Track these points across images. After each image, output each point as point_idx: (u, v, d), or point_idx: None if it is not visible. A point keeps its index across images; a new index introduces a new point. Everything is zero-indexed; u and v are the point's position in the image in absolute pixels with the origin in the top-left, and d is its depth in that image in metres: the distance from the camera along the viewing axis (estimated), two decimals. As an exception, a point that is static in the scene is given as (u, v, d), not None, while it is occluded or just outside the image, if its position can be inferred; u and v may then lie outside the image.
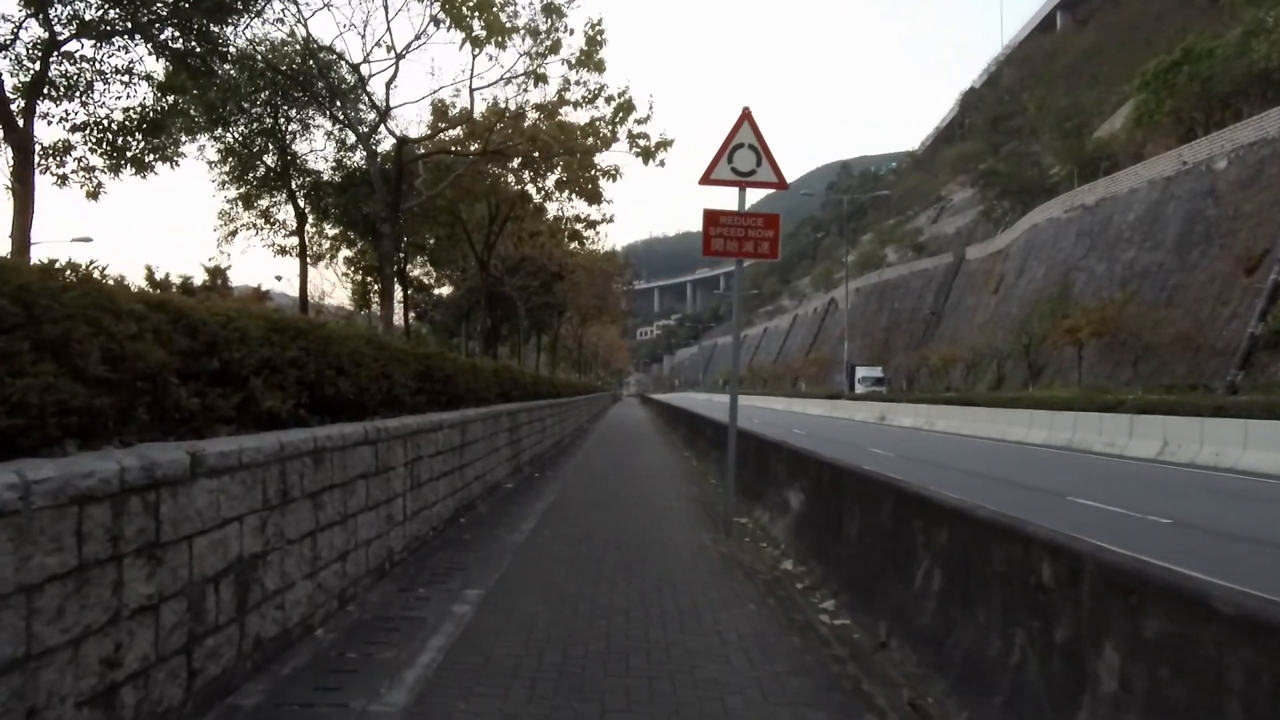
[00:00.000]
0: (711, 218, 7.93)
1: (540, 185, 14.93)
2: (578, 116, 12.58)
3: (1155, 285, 42.56)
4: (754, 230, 7.93)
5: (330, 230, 17.42)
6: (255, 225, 16.15)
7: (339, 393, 5.49)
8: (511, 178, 14.73)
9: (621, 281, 32.68)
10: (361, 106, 13.78)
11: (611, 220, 15.61)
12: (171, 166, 12.09)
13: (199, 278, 35.30)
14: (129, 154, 10.81)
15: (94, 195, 11.25)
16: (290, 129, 14.64)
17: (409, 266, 21.96)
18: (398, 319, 22.45)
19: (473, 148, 13.00)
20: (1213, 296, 38.46)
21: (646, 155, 11.91)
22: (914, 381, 74.40)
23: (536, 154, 12.91)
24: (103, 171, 11.11)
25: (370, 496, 5.53)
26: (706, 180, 8.00)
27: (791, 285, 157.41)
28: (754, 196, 8.31)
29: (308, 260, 18.64)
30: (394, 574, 5.86)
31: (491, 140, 12.59)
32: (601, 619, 4.91)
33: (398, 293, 22.18)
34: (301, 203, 15.11)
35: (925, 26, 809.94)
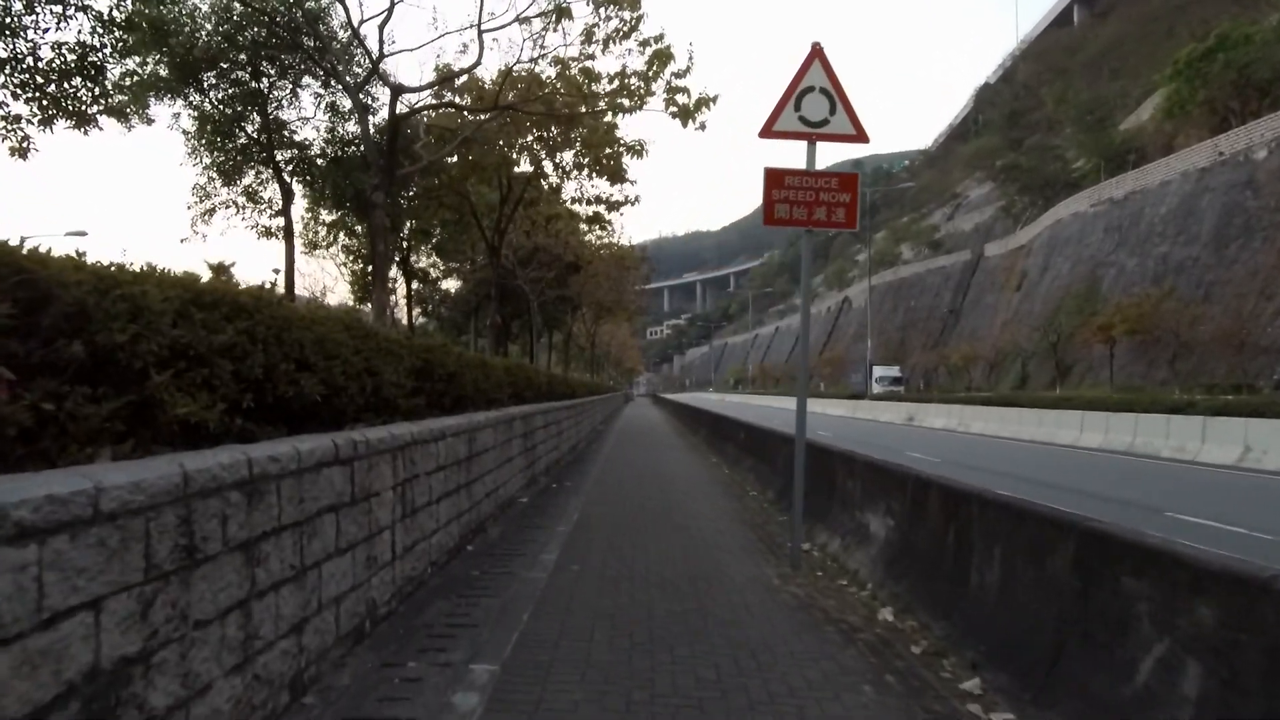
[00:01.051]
0: (774, 178, 6.44)
1: (557, 161, 13.34)
2: (607, 65, 11.06)
3: (1191, 281, 40.78)
4: (826, 194, 6.43)
5: (327, 217, 15.79)
6: (236, 204, 14.40)
7: (302, 393, 4.04)
8: (525, 155, 13.11)
9: (639, 276, 30.93)
10: (357, 69, 12.15)
11: (636, 202, 13.96)
12: (122, 121, 10.46)
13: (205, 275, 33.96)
14: (64, 102, 9.19)
15: (21, 153, 9.61)
16: (275, 94, 12.94)
17: (414, 256, 20.36)
18: (401, 312, 20.83)
19: (483, 116, 11.43)
20: (1255, 291, 36.68)
21: (685, 115, 10.30)
22: (931, 381, 72.60)
23: (555, 125, 11.35)
24: (29, 122, 9.49)
25: (343, 536, 4.07)
26: (768, 132, 6.51)
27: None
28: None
29: (303, 249, 17.02)
30: (377, 636, 4.40)
31: (504, 99, 11.01)
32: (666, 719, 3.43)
33: (401, 285, 20.69)
34: (288, 178, 13.42)
35: (937, 23, 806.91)
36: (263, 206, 14.01)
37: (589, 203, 13.66)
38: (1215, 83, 46.29)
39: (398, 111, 10.43)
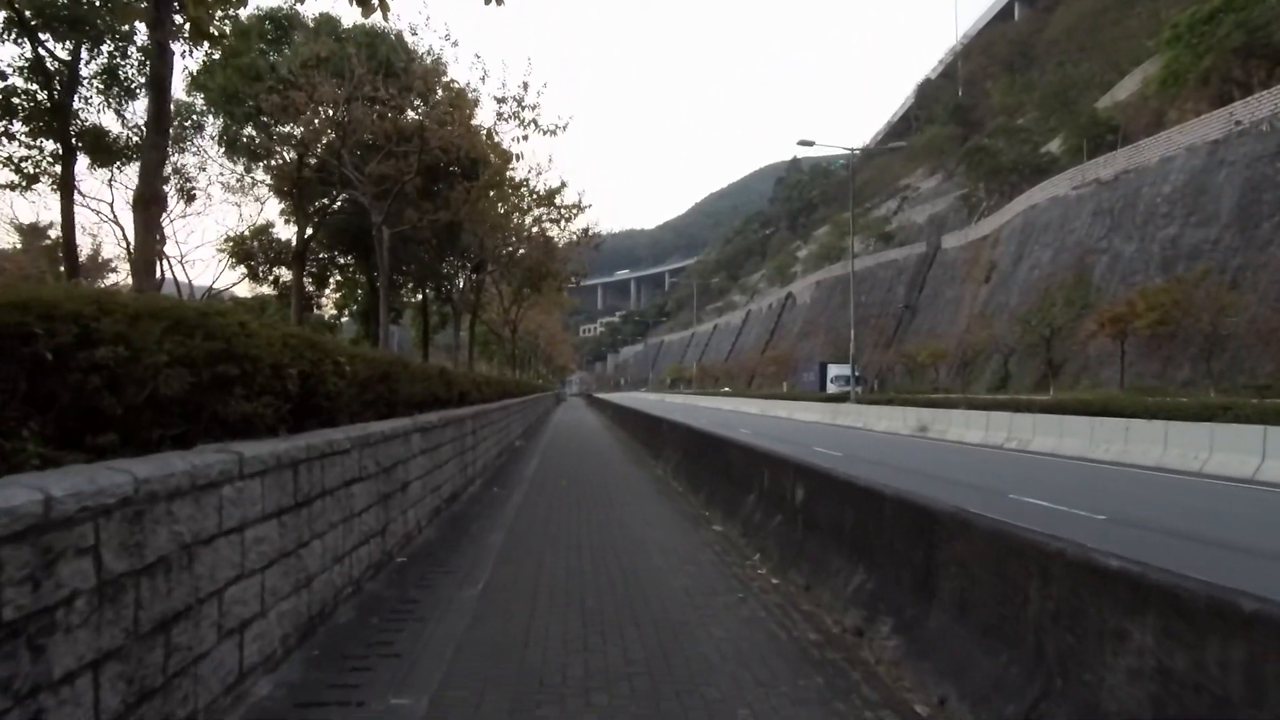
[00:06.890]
0: None
1: None
2: None
3: (1212, 266, 35.34)
4: None
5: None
6: None
7: None
8: None
9: (581, 240, 22.38)
10: None
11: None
12: None
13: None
14: None
15: None
16: None
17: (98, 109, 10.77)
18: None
19: None
20: (1301, 277, 31.36)
21: None
22: (885, 380, 66.79)
23: None
24: None
25: None
26: None
27: (741, 281, 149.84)
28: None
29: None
30: None
31: None
32: None
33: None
34: None
35: (870, 25, 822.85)
36: None
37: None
38: (1220, 49, 41.16)
39: None
